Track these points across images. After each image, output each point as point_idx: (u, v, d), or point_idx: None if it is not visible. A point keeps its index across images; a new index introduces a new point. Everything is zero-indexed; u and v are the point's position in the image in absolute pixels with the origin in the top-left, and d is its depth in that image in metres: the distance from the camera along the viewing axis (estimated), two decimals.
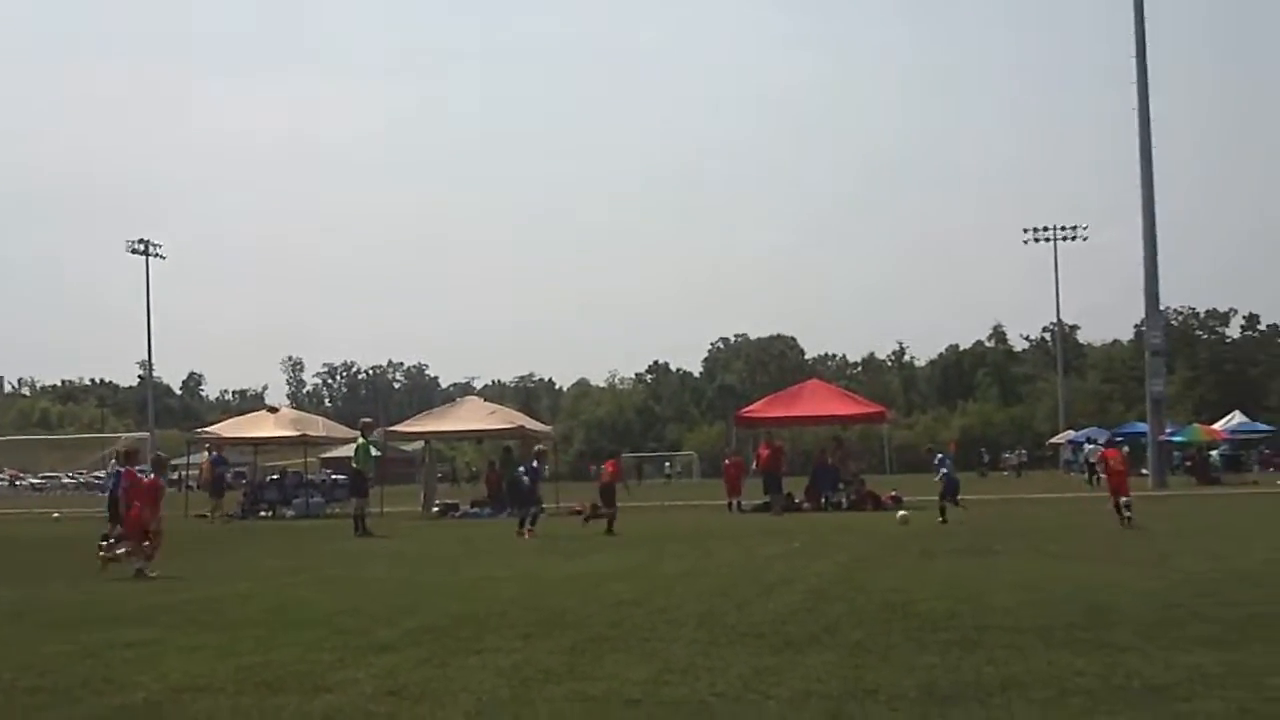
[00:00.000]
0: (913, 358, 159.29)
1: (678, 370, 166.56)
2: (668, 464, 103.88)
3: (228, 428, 46.13)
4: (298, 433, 42.63)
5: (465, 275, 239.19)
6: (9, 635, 11.31)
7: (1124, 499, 23.51)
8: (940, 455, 28.32)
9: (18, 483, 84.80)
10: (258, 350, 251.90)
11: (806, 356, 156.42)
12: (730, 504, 35.98)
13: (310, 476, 45.80)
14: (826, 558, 18.09)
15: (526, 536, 24.61)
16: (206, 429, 50.12)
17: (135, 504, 17.42)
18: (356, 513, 28.16)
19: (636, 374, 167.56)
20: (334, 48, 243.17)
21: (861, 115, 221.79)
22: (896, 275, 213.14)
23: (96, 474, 66.92)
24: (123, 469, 18.93)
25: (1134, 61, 52.62)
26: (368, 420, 33.10)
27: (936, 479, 27.84)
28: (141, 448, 26.70)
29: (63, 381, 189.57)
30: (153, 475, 18.42)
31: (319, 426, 45.66)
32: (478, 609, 12.57)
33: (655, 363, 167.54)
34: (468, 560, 19.75)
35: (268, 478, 45.39)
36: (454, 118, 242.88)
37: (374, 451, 30.51)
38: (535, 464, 27.09)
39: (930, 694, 7.79)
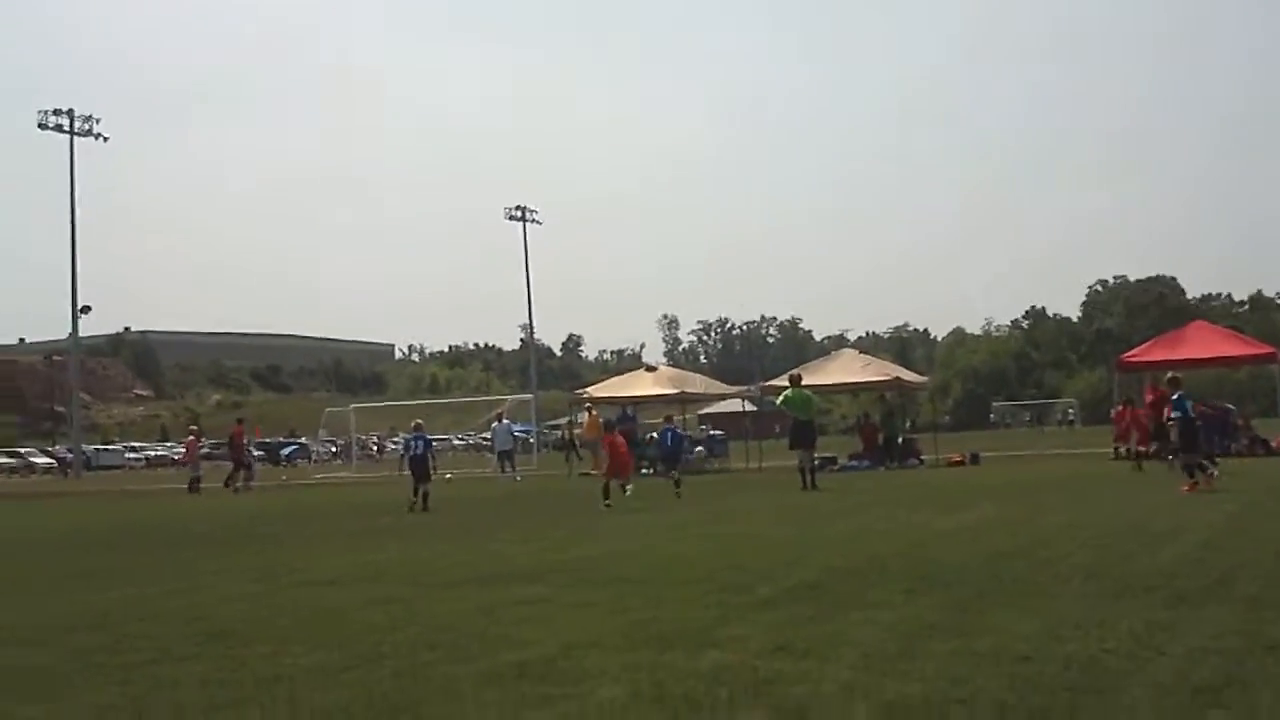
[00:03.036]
0: None
1: (1055, 316, 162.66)
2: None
3: (606, 387, 47.55)
4: (675, 390, 43.56)
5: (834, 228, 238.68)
6: (406, 595, 11.70)
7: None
8: None
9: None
10: (633, 310, 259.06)
11: (1188, 296, 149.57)
12: (1116, 450, 34.65)
13: (688, 433, 46.70)
14: (1214, 507, 17.31)
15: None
16: (585, 388, 51.80)
17: None
18: (804, 465, 27.66)
19: (1012, 321, 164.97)
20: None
21: None
22: None
23: (484, 435, 70.02)
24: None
25: None
26: (796, 372, 33.48)
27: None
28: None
29: (450, 347, 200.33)
30: None
31: (697, 384, 46.55)
32: (858, 564, 12.61)
33: (1031, 308, 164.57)
34: (844, 514, 19.81)
35: (648, 435, 46.46)
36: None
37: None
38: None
39: None
